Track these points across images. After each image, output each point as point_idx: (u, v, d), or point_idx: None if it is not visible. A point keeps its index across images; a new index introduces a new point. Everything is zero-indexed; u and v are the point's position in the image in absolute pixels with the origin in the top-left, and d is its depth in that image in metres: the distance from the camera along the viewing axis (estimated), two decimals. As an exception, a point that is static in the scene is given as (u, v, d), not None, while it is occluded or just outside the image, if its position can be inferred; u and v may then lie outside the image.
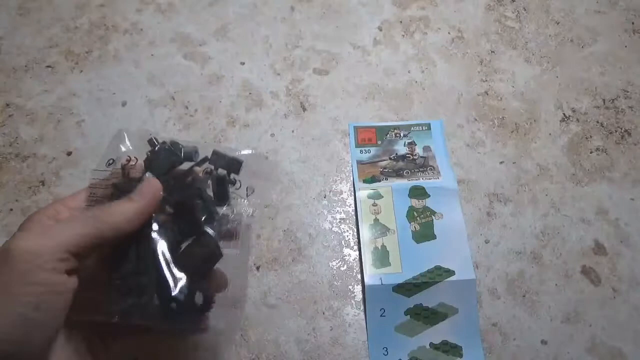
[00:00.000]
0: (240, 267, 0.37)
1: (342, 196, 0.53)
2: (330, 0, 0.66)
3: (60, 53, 0.61)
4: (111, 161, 0.34)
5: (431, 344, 0.45)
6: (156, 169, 0.33)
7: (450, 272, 0.47)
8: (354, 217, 0.51)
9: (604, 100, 0.59)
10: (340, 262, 0.49)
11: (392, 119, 0.57)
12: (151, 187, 0.31)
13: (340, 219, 0.52)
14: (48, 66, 0.60)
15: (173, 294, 0.30)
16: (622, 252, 0.50)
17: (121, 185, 0.32)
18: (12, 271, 0.24)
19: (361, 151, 0.55)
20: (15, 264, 0.24)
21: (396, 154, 0.54)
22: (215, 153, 0.35)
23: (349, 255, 0.50)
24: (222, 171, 0.35)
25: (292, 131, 0.56)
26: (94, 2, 0.65)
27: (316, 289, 0.48)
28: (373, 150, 0.55)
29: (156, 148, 0.34)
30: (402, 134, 0.56)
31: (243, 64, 0.61)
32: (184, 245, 0.33)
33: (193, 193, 0.33)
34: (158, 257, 0.30)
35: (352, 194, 0.53)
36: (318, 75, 0.60)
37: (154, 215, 0.31)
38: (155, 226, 0.31)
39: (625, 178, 0.54)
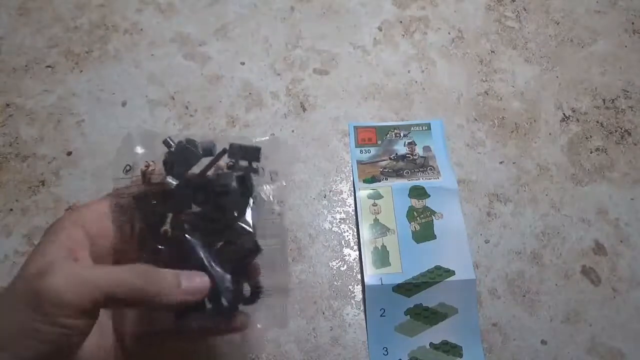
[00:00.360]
0: (281, 256, 0.36)
1: (342, 196, 0.53)
2: (330, 0, 0.66)
3: (60, 53, 0.61)
4: (128, 167, 0.32)
5: (431, 344, 0.45)
6: (177, 169, 0.32)
7: (450, 272, 0.47)
8: (354, 217, 0.51)
9: (604, 100, 0.59)
10: (340, 262, 0.49)
11: (392, 119, 0.57)
12: (202, 285, 0.30)
13: (340, 219, 0.52)
14: (48, 66, 0.60)
15: (222, 291, 0.30)
16: (622, 252, 0.50)
17: (142, 196, 0.31)
18: (41, 313, 0.24)
19: (361, 151, 0.55)
20: (46, 307, 0.24)
21: (396, 154, 0.54)
22: (232, 145, 0.34)
23: (349, 255, 0.50)
24: (243, 162, 0.34)
25: (292, 131, 0.56)
26: (94, 2, 0.65)
27: (316, 289, 0.48)
28: (373, 150, 0.55)
29: (173, 148, 0.33)
30: (402, 134, 0.56)
31: (243, 64, 0.61)
32: (220, 244, 0.32)
33: (220, 189, 0.32)
34: (201, 259, 0.30)
35: (352, 194, 0.53)
36: (318, 75, 0.60)
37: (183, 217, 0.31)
38: (186, 226, 0.31)
39: (625, 178, 0.54)
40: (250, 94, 0.59)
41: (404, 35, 0.63)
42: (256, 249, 0.33)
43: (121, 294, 0.26)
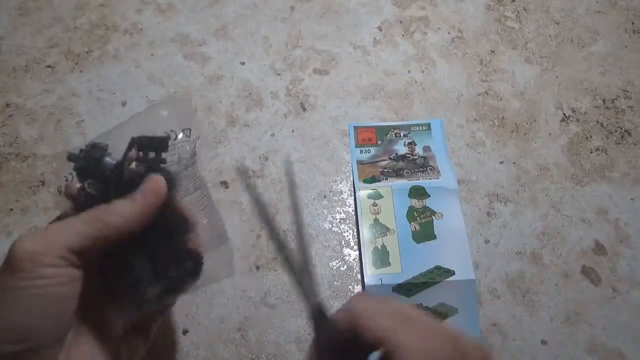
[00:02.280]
0: (208, 205, 0.37)
1: (342, 196, 0.53)
2: (330, 0, 0.66)
3: (60, 53, 0.61)
4: (59, 190, 0.34)
5: (431, 344, 0.45)
6: (87, 174, 0.33)
7: (450, 272, 0.47)
8: (354, 217, 0.51)
9: (604, 100, 0.59)
10: (340, 262, 0.49)
11: (392, 119, 0.57)
12: (153, 185, 0.31)
13: (340, 219, 0.52)
14: (48, 66, 0.60)
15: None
16: (622, 252, 0.50)
17: (75, 209, 0.32)
18: (17, 270, 0.26)
19: (361, 151, 0.55)
20: (18, 263, 0.26)
21: (396, 154, 0.54)
22: (139, 137, 0.34)
23: (349, 255, 0.50)
24: (151, 153, 0.35)
25: (292, 131, 0.56)
26: (94, 2, 0.65)
27: (316, 289, 0.48)
28: (373, 150, 0.55)
29: (78, 156, 0.34)
30: (402, 134, 0.56)
31: (243, 64, 0.61)
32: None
33: (136, 181, 0.33)
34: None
35: (352, 194, 0.53)
36: (318, 75, 0.60)
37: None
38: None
39: (625, 178, 0.54)
40: (250, 94, 0.59)
41: (404, 35, 0.63)
42: (183, 226, 0.34)
43: (86, 230, 0.28)
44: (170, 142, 0.34)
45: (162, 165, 0.34)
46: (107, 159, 0.33)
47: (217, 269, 0.35)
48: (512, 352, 0.45)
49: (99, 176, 0.33)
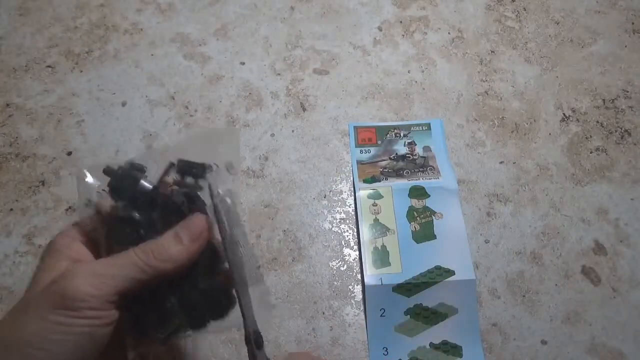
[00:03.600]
0: (241, 242, 0.36)
1: (342, 196, 0.53)
2: (330, 0, 0.66)
3: (60, 53, 0.61)
4: (87, 202, 0.34)
5: (431, 344, 0.45)
6: (122, 193, 0.32)
7: (450, 272, 0.47)
8: (354, 217, 0.51)
9: (604, 100, 0.59)
10: (340, 262, 0.49)
11: (392, 119, 0.57)
12: (200, 228, 0.31)
13: (340, 219, 0.52)
14: (48, 66, 0.60)
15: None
16: (622, 252, 0.50)
17: (106, 226, 0.32)
18: (69, 308, 0.27)
19: (361, 151, 0.55)
20: (72, 302, 0.27)
21: (396, 154, 0.54)
22: (180, 161, 0.34)
23: (349, 255, 0.50)
24: (189, 179, 0.34)
25: (292, 131, 0.56)
26: (94, 2, 0.65)
27: (316, 289, 0.48)
28: (373, 150, 0.55)
29: (116, 173, 0.33)
30: (402, 134, 0.56)
31: (243, 64, 0.61)
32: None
33: (173, 207, 0.32)
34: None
35: (352, 194, 0.53)
36: (318, 75, 0.60)
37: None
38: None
39: (625, 178, 0.54)
40: (250, 94, 0.59)
41: (404, 35, 0.63)
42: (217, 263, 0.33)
43: (136, 274, 0.29)
44: (209, 173, 0.34)
45: (199, 193, 0.33)
46: (143, 181, 0.33)
47: (250, 309, 0.34)
48: (512, 352, 0.45)
49: (132, 197, 0.32)
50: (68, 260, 0.30)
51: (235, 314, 0.33)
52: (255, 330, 0.32)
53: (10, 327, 0.27)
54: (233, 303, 0.33)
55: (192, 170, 0.34)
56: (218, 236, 0.33)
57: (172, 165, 0.34)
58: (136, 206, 0.32)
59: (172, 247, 0.30)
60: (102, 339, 0.29)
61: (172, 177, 0.34)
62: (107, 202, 0.32)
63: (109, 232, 0.32)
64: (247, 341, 0.32)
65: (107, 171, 0.33)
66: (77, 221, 0.33)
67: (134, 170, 0.33)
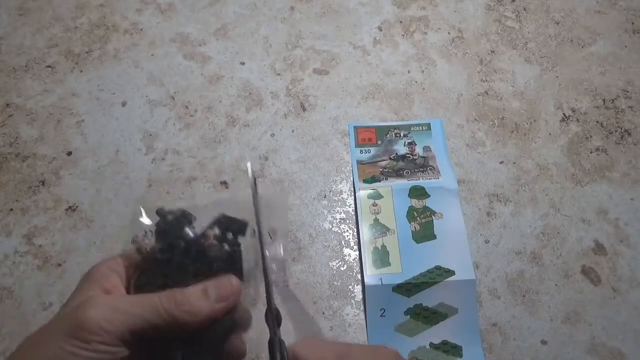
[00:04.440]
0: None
1: (342, 196, 0.53)
2: (330, 0, 0.66)
3: (60, 53, 0.61)
4: (134, 238, 0.34)
5: (431, 344, 0.45)
6: (166, 237, 0.33)
7: (450, 272, 0.47)
8: (354, 217, 0.51)
9: (604, 100, 0.59)
10: (340, 262, 0.49)
11: (392, 119, 0.57)
12: (231, 288, 0.31)
13: (340, 219, 0.52)
14: (48, 66, 0.60)
15: None
16: (622, 252, 0.50)
17: (140, 265, 0.32)
18: (80, 339, 0.27)
19: (361, 151, 0.55)
20: (84, 334, 0.27)
21: (396, 154, 0.54)
22: (223, 216, 0.34)
23: (349, 255, 0.50)
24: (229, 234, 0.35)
25: (292, 131, 0.56)
26: (94, 2, 0.65)
27: (316, 289, 0.48)
28: (373, 150, 0.55)
29: (166, 216, 0.34)
30: (402, 134, 0.56)
31: (243, 64, 0.61)
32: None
33: (215, 262, 0.33)
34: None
35: (352, 194, 0.53)
36: (318, 75, 0.60)
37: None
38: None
39: (625, 178, 0.54)
40: (250, 94, 0.59)
41: (404, 35, 0.63)
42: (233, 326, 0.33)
43: (153, 318, 0.28)
44: (249, 232, 0.34)
45: (237, 249, 0.33)
46: (188, 229, 0.33)
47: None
48: (512, 352, 0.45)
49: (175, 243, 0.33)
50: (100, 290, 0.30)
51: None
52: (276, 307, 0.32)
53: (32, 351, 0.27)
54: None
55: (231, 225, 0.34)
56: (246, 304, 0.33)
57: (216, 222, 0.34)
58: (174, 252, 0.32)
59: (197, 301, 0.29)
60: None
61: (215, 231, 0.34)
62: (150, 243, 0.33)
63: (142, 272, 0.32)
64: (268, 318, 0.32)
65: (159, 213, 0.34)
66: (121, 254, 0.33)
67: (184, 218, 0.34)
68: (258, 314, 0.34)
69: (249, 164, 0.37)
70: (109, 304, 0.28)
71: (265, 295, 0.33)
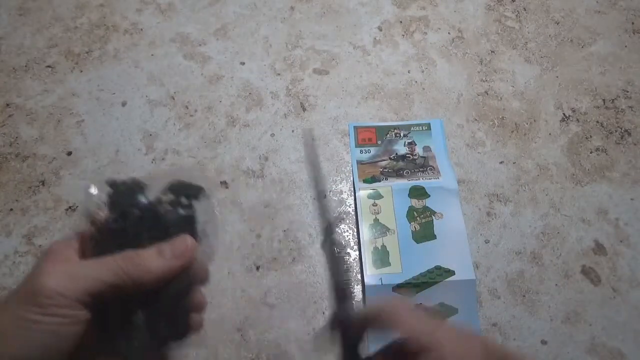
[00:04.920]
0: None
1: (342, 196, 0.53)
2: (330, 0, 0.66)
3: (60, 53, 0.61)
4: (87, 212, 0.35)
5: (431, 344, 0.45)
6: (119, 206, 0.33)
7: (450, 272, 0.47)
8: (354, 217, 0.51)
9: (604, 100, 0.59)
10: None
11: (392, 119, 0.57)
12: (185, 247, 0.31)
13: (340, 219, 0.51)
14: (48, 66, 0.60)
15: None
16: (622, 252, 0.50)
17: (95, 237, 0.32)
18: (38, 305, 0.27)
19: (361, 151, 0.55)
20: (41, 299, 0.27)
21: (396, 154, 0.54)
22: (176, 182, 0.35)
23: (349, 255, 0.50)
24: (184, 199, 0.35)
25: (292, 131, 0.56)
26: (94, 2, 0.65)
27: (316, 289, 0.48)
28: (373, 150, 0.55)
29: (117, 186, 0.34)
30: (402, 134, 0.56)
31: (243, 64, 0.61)
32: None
33: (171, 227, 0.33)
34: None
35: (352, 194, 0.53)
36: (318, 75, 0.60)
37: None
38: None
39: (625, 178, 0.54)
40: (250, 94, 0.59)
41: (404, 35, 0.63)
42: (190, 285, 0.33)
43: (110, 279, 0.29)
44: (204, 196, 0.34)
45: (190, 214, 0.34)
46: (141, 197, 0.33)
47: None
48: (512, 352, 0.45)
49: (126, 211, 0.33)
50: (58, 264, 0.31)
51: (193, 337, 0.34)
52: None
53: None
54: (195, 328, 0.34)
55: (186, 190, 0.35)
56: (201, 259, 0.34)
57: (170, 187, 0.34)
58: (128, 220, 0.33)
59: (153, 259, 0.30)
60: (68, 340, 0.29)
61: (169, 197, 0.34)
62: (103, 214, 0.33)
63: (97, 242, 0.32)
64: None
65: (110, 183, 0.34)
66: (76, 229, 0.34)
67: (136, 186, 0.34)
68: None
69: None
70: (64, 269, 0.29)
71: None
